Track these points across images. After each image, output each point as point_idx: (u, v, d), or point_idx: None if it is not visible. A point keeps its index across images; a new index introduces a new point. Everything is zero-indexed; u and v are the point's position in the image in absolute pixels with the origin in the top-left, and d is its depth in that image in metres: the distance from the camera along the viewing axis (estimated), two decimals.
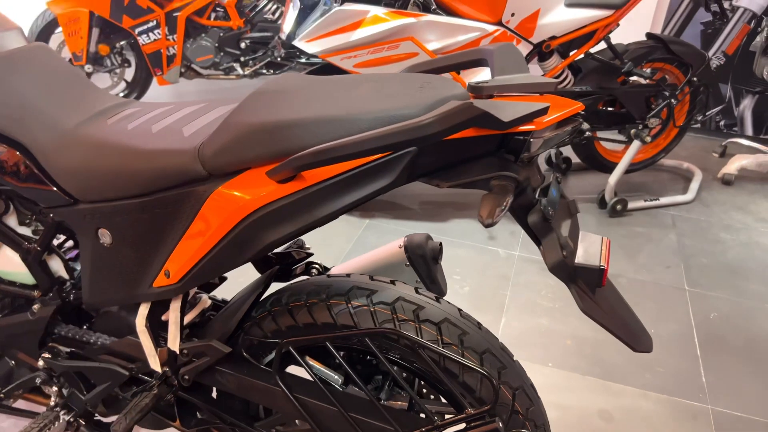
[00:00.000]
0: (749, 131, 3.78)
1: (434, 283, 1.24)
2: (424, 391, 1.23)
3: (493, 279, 2.33)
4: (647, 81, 2.71)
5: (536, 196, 0.85)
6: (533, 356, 1.96)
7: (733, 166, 3.22)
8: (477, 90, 0.86)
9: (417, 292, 1.03)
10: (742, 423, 1.76)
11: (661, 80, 2.75)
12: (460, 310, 1.04)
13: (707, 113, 3.78)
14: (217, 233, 0.86)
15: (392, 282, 1.05)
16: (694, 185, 3.10)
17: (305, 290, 1.05)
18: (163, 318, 1.07)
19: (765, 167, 3.25)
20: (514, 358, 1.05)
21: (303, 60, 3.91)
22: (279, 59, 3.88)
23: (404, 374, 1.16)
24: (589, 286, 0.86)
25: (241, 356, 1.07)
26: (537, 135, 0.78)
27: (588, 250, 0.86)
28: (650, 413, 1.77)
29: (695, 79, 2.83)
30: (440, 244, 1.25)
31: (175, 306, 1.02)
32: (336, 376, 1.18)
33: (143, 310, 1.03)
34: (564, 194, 0.93)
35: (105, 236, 0.98)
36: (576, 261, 0.84)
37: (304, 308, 1.02)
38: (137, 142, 0.93)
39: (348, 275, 1.08)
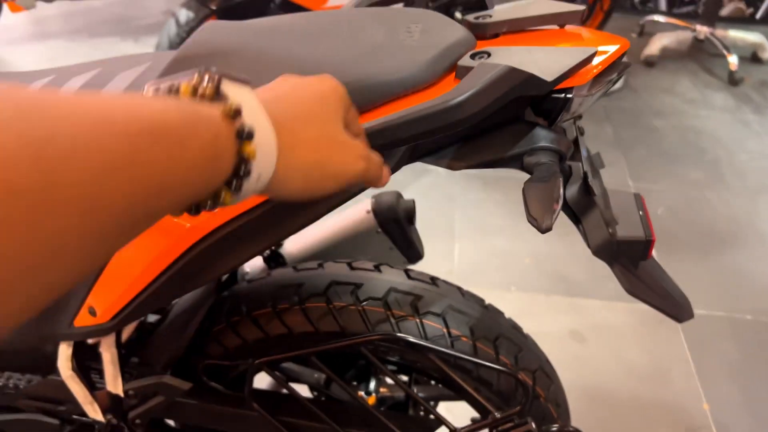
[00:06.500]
0: (663, 7, 3.71)
1: (411, 248, 1.07)
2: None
3: (439, 202, 2.18)
4: None
5: (567, 162, 0.67)
6: (494, 282, 1.86)
7: (654, 47, 3.15)
8: (481, 29, 0.65)
9: (409, 276, 0.85)
10: (705, 321, 1.76)
11: None
12: (459, 288, 0.88)
13: None
14: (156, 264, 0.63)
15: (376, 267, 0.86)
16: None
17: (269, 292, 0.84)
18: (91, 341, 0.85)
19: (685, 44, 3.21)
20: (525, 332, 0.92)
21: None
22: None
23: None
24: (633, 261, 0.71)
25: (201, 382, 0.87)
26: (579, 91, 0.58)
27: (625, 218, 0.70)
28: (620, 326, 1.73)
29: None
30: (413, 201, 1.06)
31: (109, 342, 0.79)
32: (316, 375, 1.01)
33: (66, 350, 0.80)
34: (587, 148, 0.75)
35: None
36: (618, 235, 0.68)
37: (273, 316, 0.82)
38: None
39: (320, 264, 0.88)
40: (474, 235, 2.04)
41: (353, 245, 1.05)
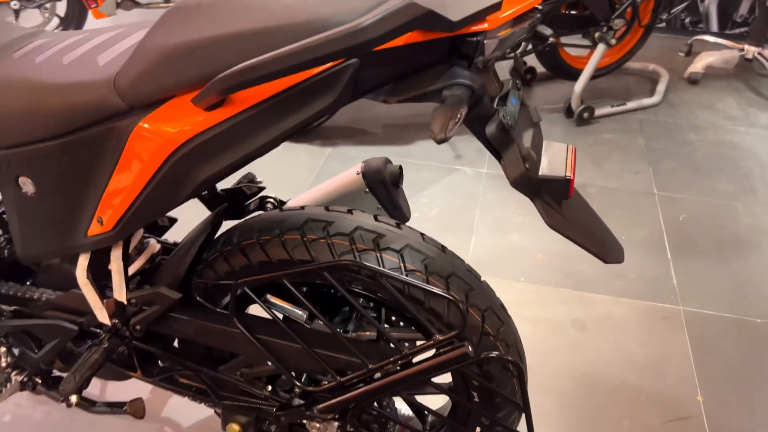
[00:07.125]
0: (714, 27, 3.70)
1: (396, 209, 1.18)
2: (393, 318, 1.19)
3: (462, 199, 2.28)
4: None
5: (494, 105, 0.78)
6: (505, 273, 1.94)
7: (699, 65, 3.15)
8: None
9: (376, 219, 0.97)
10: (711, 320, 1.78)
11: None
12: (422, 234, 0.98)
13: (672, 11, 3.68)
14: (145, 172, 0.78)
15: (349, 211, 0.99)
16: (661, 87, 3.04)
17: (257, 227, 0.98)
18: (109, 267, 1.00)
19: (731, 63, 3.20)
20: (482, 279, 1.01)
21: None
22: None
23: (370, 305, 1.12)
24: (555, 199, 0.81)
25: (195, 301, 1.01)
26: (491, 35, 0.70)
27: (552, 160, 0.80)
28: (623, 319, 1.78)
29: None
30: (400, 167, 1.18)
31: (117, 254, 0.94)
32: (300, 312, 1.13)
33: (83, 261, 0.96)
34: (525, 102, 0.85)
35: (27, 185, 0.89)
36: (540, 173, 0.78)
37: (256, 246, 0.96)
38: (46, 77, 0.83)
39: (302, 207, 1.01)
40: (491, 230, 2.12)
41: (344, 204, 1.17)
